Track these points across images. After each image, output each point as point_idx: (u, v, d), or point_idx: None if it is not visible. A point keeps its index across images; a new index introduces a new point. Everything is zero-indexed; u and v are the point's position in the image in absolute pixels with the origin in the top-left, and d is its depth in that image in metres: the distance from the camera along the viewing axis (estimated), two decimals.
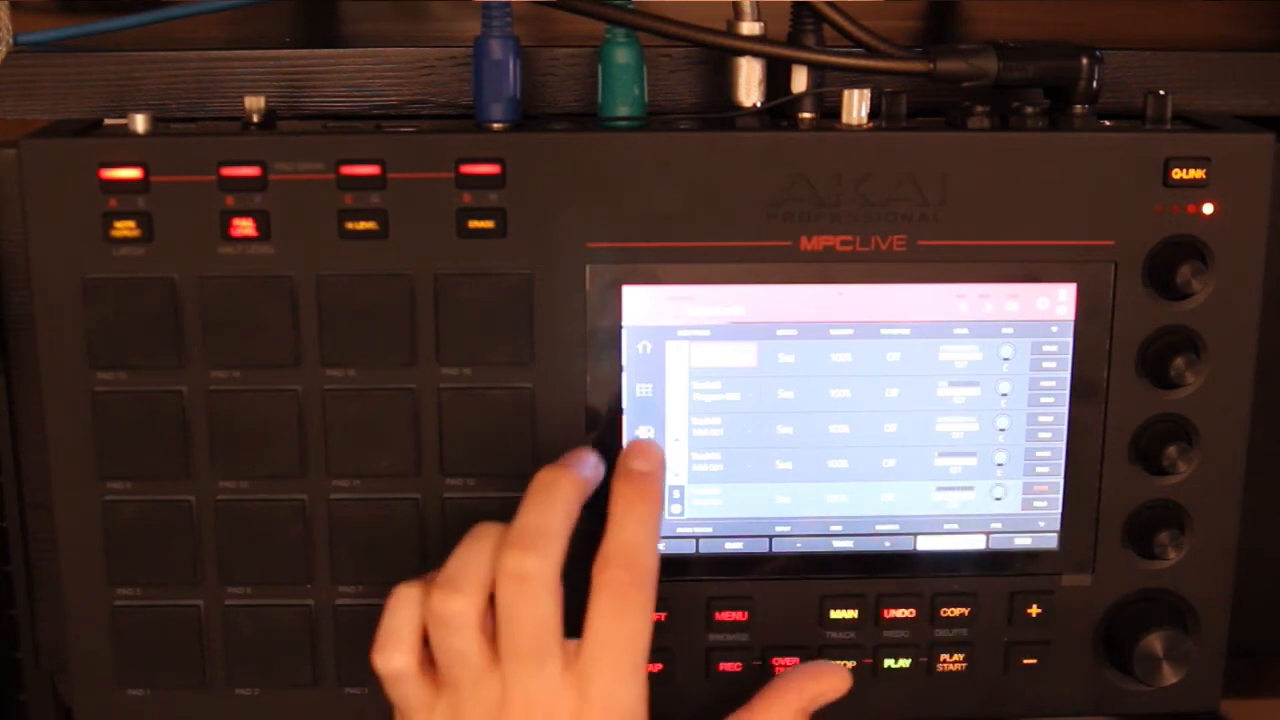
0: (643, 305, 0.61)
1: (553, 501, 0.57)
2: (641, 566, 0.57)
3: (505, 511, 0.62)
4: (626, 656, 0.56)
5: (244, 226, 0.59)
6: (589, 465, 0.59)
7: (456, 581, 0.56)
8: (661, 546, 0.64)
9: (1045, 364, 0.63)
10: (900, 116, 0.62)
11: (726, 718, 0.61)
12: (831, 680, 0.62)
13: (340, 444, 0.61)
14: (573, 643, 0.56)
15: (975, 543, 0.65)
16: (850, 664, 0.65)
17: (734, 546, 0.64)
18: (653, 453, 0.60)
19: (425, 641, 0.57)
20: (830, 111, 0.63)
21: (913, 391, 0.63)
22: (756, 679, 0.64)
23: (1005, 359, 0.63)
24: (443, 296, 0.60)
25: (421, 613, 0.57)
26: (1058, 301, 0.63)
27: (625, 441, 0.62)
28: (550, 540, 0.56)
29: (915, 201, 0.61)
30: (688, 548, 0.64)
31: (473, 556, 0.57)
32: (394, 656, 0.57)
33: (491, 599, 0.56)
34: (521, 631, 0.55)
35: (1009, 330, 0.63)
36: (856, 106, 0.62)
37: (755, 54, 0.63)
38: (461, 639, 0.56)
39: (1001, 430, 0.64)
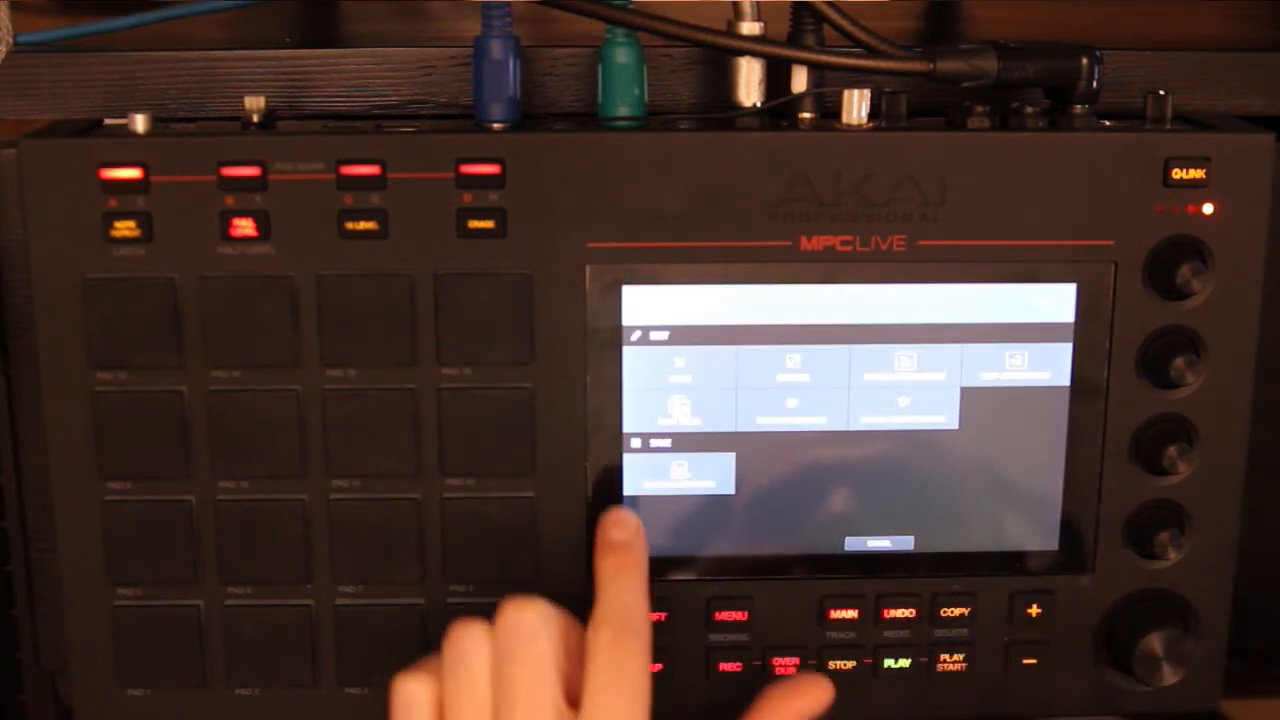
0: (643, 305, 0.61)
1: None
2: (636, 622, 0.57)
3: (505, 512, 0.62)
4: (626, 714, 0.55)
5: (244, 226, 0.59)
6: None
7: (477, 626, 0.57)
8: (661, 547, 0.64)
9: (1045, 364, 0.63)
10: (900, 116, 0.62)
11: None
12: (816, 693, 0.62)
13: (340, 444, 0.61)
14: (571, 712, 0.56)
15: (975, 543, 0.65)
16: (850, 664, 0.65)
17: (734, 546, 0.64)
18: (629, 521, 0.60)
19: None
20: (830, 111, 0.63)
21: (913, 391, 0.63)
22: (756, 679, 0.64)
23: (1005, 359, 0.63)
24: (443, 296, 0.60)
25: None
26: (1058, 301, 0.63)
27: (623, 448, 0.62)
28: (551, 611, 0.56)
29: (915, 201, 0.61)
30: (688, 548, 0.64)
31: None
32: (417, 682, 0.57)
33: None
34: (517, 678, 0.55)
35: (1009, 330, 0.63)
36: (856, 106, 0.62)
37: (755, 54, 0.63)
38: (474, 671, 0.56)
39: (1001, 430, 0.64)
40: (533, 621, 0.56)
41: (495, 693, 0.56)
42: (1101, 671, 0.66)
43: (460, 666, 0.56)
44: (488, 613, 0.58)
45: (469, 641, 0.56)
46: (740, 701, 0.64)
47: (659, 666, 0.64)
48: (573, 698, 0.56)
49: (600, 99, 0.63)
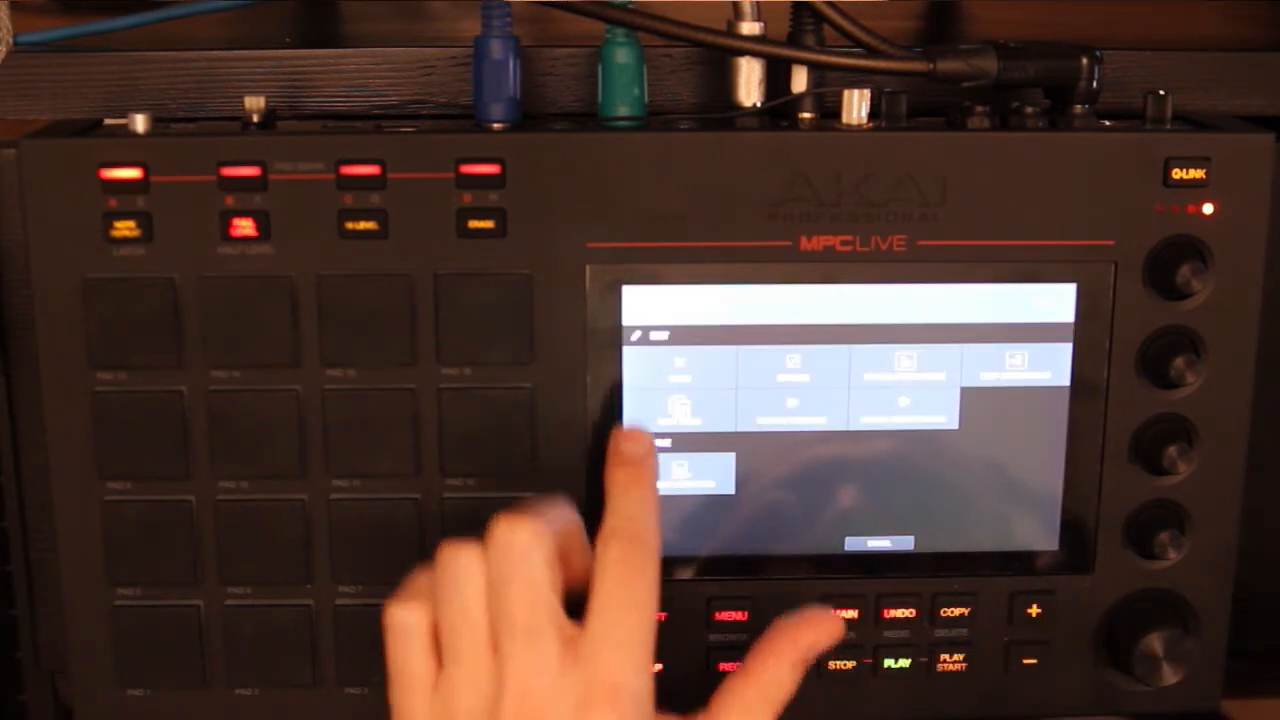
0: (643, 305, 0.61)
1: (547, 505, 0.56)
2: (646, 537, 0.55)
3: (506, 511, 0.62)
4: (635, 634, 0.54)
5: (244, 226, 0.59)
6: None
7: (469, 549, 0.55)
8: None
9: (1045, 364, 0.63)
10: (900, 116, 0.62)
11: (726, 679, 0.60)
12: (826, 626, 0.60)
13: (340, 444, 0.61)
14: (574, 625, 0.54)
15: (975, 543, 0.65)
16: (850, 664, 0.65)
17: (734, 546, 0.64)
18: (643, 437, 0.59)
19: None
20: (830, 111, 0.63)
21: (913, 391, 0.63)
22: None
23: (1005, 359, 0.63)
24: (443, 296, 0.60)
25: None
26: (1058, 301, 0.63)
27: None
28: (544, 516, 0.54)
29: (915, 201, 0.61)
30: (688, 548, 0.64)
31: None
32: (410, 609, 0.55)
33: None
34: (514, 603, 0.53)
35: (1009, 330, 0.63)
36: (856, 106, 0.62)
37: (755, 54, 0.63)
38: (468, 597, 0.54)
39: (1001, 429, 0.64)
40: (525, 542, 0.53)
41: (492, 617, 0.54)
42: (1101, 671, 0.66)
43: (454, 594, 0.54)
44: None
45: (462, 565, 0.54)
46: None
47: (659, 667, 0.64)
48: (574, 607, 0.54)
49: (600, 99, 0.63)
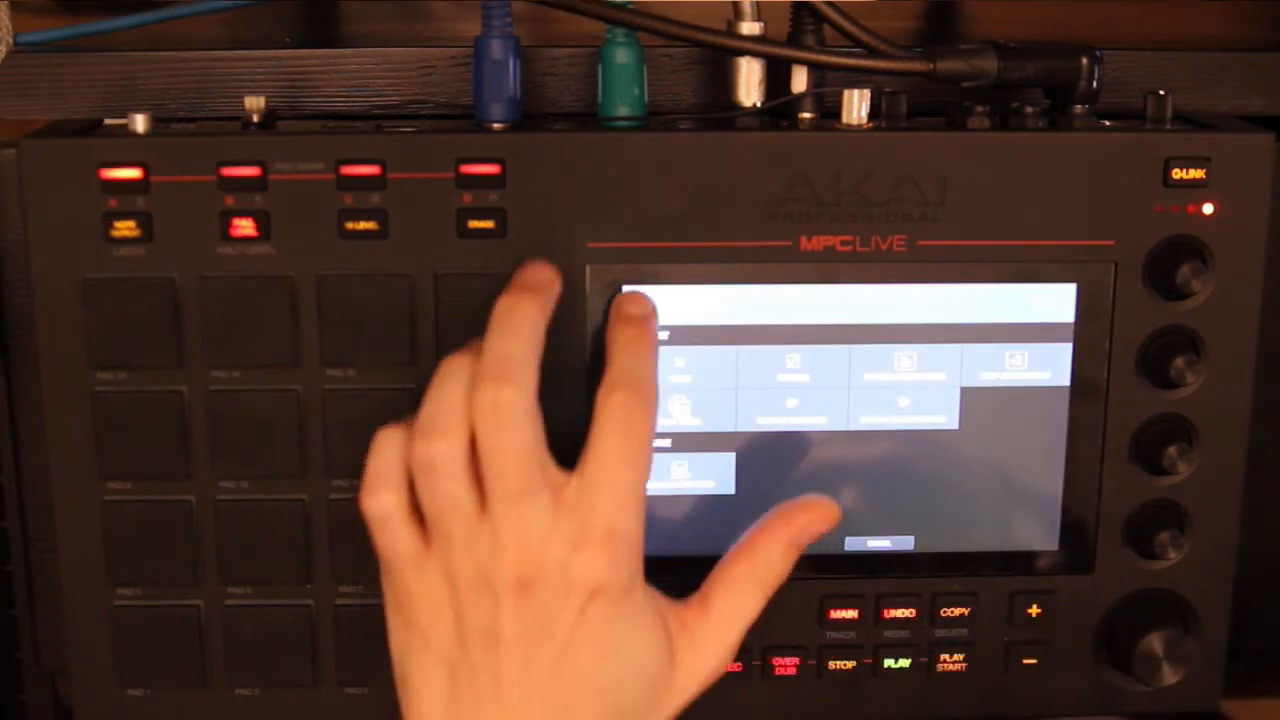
0: None
1: (519, 327, 0.55)
2: (646, 390, 0.56)
3: None
4: (630, 482, 0.55)
5: (244, 226, 0.59)
6: (547, 283, 0.58)
7: (436, 424, 0.54)
8: (661, 547, 0.64)
9: (1045, 364, 0.63)
10: (900, 116, 0.62)
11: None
12: (820, 510, 0.61)
13: (340, 444, 0.61)
14: (564, 474, 0.55)
15: (975, 543, 0.65)
16: (850, 664, 0.65)
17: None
18: (645, 300, 0.60)
19: (413, 490, 0.56)
20: (830, 111, 0.63)
21: (913, 391, 0.63)
22: (756, 679, 0.64)
23: (1005, 359, 0.63)
24: (443, 296, 0.60)
25: (407, 457, 0.55)
26: (1058, 301, 0.63)
27: None
28: (522, 367, 0.54)
29: (915, 201, 0.61)
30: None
31: (447, 397, 0.55)
32: (382, 496, 0.56)
33: (474, 441, 0.54)
34: (506, 465, 0.54)
35: (1009, 330, 0.63)
36: (856, 106, 0.62)
37: (755, 54, 0.63)
38: (450, 482, 0.54)
39: (1001, 430, 0.64)
40: (510, 402, 0.54)
41: (482, 479, 0.54)
42: (1101, 671, 0.66)
43: (436, 483, 0.54)
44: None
45: (436, 454, 0.54)
46: (741, 703, 0.64)
47: None
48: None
49: (600, 99, 0.63)
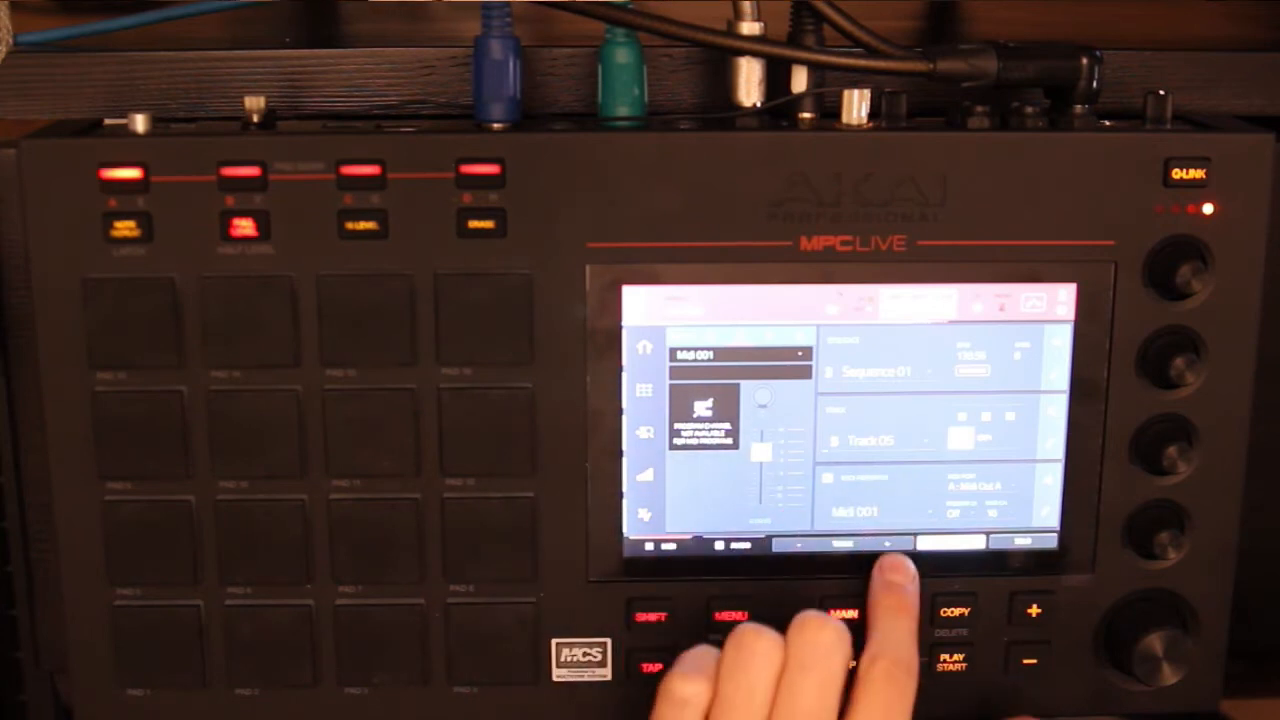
0: (643, 305, 0.61)
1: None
2: (909, 662, 0.59)
3: (504, 511, 0.62)
4: None
5: (244, 226, 0.59)
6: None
7: (769, 635, 0.58)
8: (660, 546, 0.64)
9: (1045, 364, 0.63)
10: (900, 116, 0.62)
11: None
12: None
13: (340, 444, 0.61)
14: None
15: (975, 543, 0.65)
16: (850, 664, 0.65)
17: (735, 546, 0.64)
18: (907, 567, 0.63)
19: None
20: (830, 111, 0.63)
21: (912, 391, 0.63)
22: None
23: (1005, 359, 0.63)
24: (443, 296, 0.60)
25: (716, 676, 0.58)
26: (1058, 301, 0.63)
27: (625, 440, 0.62)
28: (847, 634, 0.58)
29: (915, 201, 0.61)
30: (688, 548, 0.64)
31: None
32: (698, 682, 0.57)
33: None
34: (807, 691, 0.56)
35: (1009, 330, 0.63)
36: (856, 106, 0.62)
37: (755, 54, 0.63)
38: (758, 677, 0.57)
39: (1001, 430, 0.64)
40: (831, 640, 0.57)
41: (776, 702, 0.57)
42: (1101, 671, 0.66)
43: (745, 672, 0.57)
44: (485, 612, 0.58)
45: (762, 646, 0.57)
46: None
47: (659, 666, 0.64)
48: None
49: (600, 99, 0.63)
